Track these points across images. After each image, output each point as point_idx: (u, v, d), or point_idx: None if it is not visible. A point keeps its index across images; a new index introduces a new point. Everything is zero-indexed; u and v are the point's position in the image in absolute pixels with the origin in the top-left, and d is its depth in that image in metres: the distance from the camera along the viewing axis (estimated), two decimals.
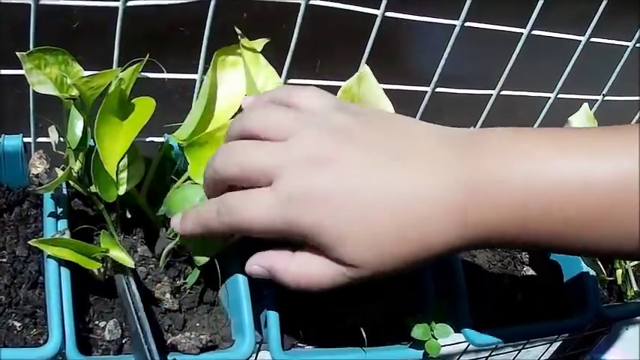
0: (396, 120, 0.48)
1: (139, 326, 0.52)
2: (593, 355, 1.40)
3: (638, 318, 1.46)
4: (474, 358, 1.14)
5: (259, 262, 0.50)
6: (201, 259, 0.56)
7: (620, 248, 0.42)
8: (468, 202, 0.43)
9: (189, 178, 0.56)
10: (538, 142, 0.43)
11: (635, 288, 0.75)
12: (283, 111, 0.49)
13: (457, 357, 1.06)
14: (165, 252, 0.57)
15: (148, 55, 0.54)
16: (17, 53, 0.52)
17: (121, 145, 0.52)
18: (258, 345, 0.81)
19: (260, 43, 0.58)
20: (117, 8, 0.54)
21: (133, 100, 0.54)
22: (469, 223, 0.43)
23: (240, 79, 0.58)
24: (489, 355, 1.07)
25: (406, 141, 0.46)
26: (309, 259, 0.47)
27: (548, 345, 1.14)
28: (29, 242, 0.53)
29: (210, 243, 0.55)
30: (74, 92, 0.53)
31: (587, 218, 0.41)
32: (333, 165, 0.44)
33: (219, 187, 0.50)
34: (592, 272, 0.70)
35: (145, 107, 0.53)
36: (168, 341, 0.55)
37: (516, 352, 1.14)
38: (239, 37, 0.57)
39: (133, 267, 0.54)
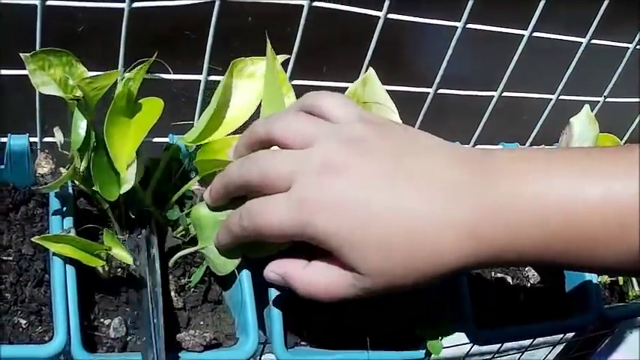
0: (415, 136, 0.49)
1: (153, 333, 0.52)
2: (596, 358, 1.40)
3: None
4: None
5: (274, 269, 0.52)
6: (226, 267, 0.57)
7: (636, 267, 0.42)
8: (480, 223, 0.43)
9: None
10: (550, 163, 0.43)
11: (637, 288, 0.75)
12: (306, 120, 0.50)
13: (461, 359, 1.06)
14: (176, 257, 0.59)
15: (156, 54, 0.54)
16: (21, 54, 0.52)
17: (131, 144, 0.52)
18: (262, 346, 0.81)
19: (281, 58, 0.59)
20: (121, 12, 0.55)
21: (140, 101, 0.55)
22: (481, 243, 0.43)
23: (255, 90, 0.58)
24: (492, 358, 1.07)
25: (422, 158, 0.46)
26: (322, 269, 0.49)
27: (552, 347, 1.14)
28: (33, 239, 0.54)
29: (235, 251, 0.56)
30: (78, 93, 0.53)
31: (602, 237, 0.41)
32: (347, 173, 0.46)
33: (237, 192, 0.52)
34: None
35: (153, 107, 0.54)
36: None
37: (520, 354, 1.14)
38: (267, 44, 0.57)
39: (133, 264, 0.55)
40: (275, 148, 0.51)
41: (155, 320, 0.53)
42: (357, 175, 0.45)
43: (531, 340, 1.05)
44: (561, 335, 1.07)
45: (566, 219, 0.41)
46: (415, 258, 0.44)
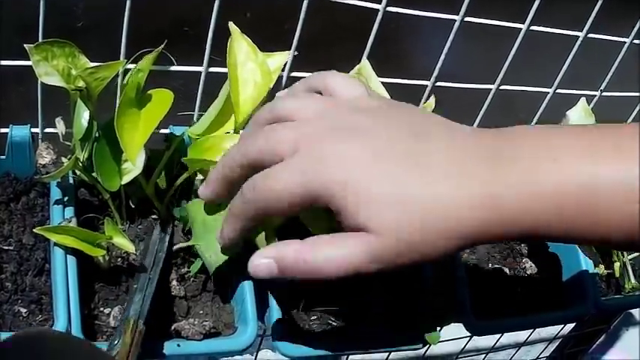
0: (426, 113, 0.48)
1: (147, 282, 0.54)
2: (593, 356, 1.41)
3: (637, 319, 1.48)
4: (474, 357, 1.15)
5: (266, 254, 0.46)
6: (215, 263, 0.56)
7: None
8: (495, 195, 0.42)
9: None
10: (566, 139, 0.43)
11: (633, 281, 0.76)
12: (312, 97, 0.49)
13: (457, 355, 1.07)
14: (176, 247, 0.59)
15: (163, 44, 0.54)
16: (25, 45, 0.53)
17: (140, 134, 0.53)
18: (259, 339, 0.82)
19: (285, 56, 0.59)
20: (119, 8, 0.55)
21: (149, 92, 0.55)
22: (494, 214, 0.42)
23: (260, 85, 0.58)
24: (489, 351, 1.07)
25: (438, 130, 0.45)
26: (328, 239, 0.44)
27: (547, 343, 1.15)
28: (35, 230, 0.54)
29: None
30: (81, 84, 0.54)
31: (614, 212, 0.41)
32: (359, 132, 0.44)
33: (235, 172, 0.48)
34: (590, 264, 0.70)
35: (163, 99, 0.54)
36: (173, 327, 0.56)
37: (515, 350, 1.15)
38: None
39: (135, 253, 0.55)
40: None
41: (151, 275, 0.55)
42: (370, 134, 0.43)
43: (527, 335, 1.06)
44: (557, 331, 1.08)
45: (580, 194, 0.41)
46: (430, 224, 0.42)
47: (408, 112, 0.48)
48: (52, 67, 0.53)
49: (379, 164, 0.43)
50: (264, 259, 0.45)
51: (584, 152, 0.42)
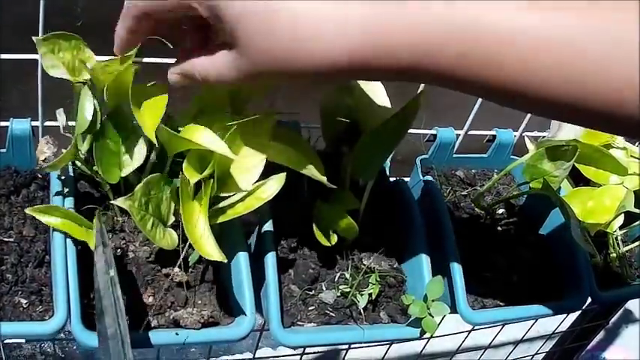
0: None
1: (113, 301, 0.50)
2: (593, 353, 1.41)
3: (637, 317, 1.48)
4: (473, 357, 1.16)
5: (173, 70, 0.50)
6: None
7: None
8: (373, 19, 0.41)
9: None
10: None
11: (630, 272, 0.76)
12: None
13: (455, 352, 1.07)
14: None
15: None
16: (33, 38, 0.53)
17: (152, 119, 0.53)
18: (258, 334, 0.82)
19: None
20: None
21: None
22: (369, 39, 0.41)
23: None
24: (488, 348, 1.08)
25: None
26: (212, 58, 0.47)
27: (545, 339, 1.15)
28: (26, 210, 0.55)
29: None
30: (86, 77, 0.54)
31: (481, 57, 0.40)
32: None
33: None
34: (587, 255, 0.71)
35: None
36: (171, 316, 0.56)
37: (514, 346, 1.15)
38: None
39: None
40: None
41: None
42: None
43: (525, 331, 1.06)
44: (556, 326, 1.08)
45: (463, 34, 0.40)
46: (298, 42, 0.42)
47: None
48: (58, 60, 0.54)
49: None
50: (174, 76, 0.51)
51: None
